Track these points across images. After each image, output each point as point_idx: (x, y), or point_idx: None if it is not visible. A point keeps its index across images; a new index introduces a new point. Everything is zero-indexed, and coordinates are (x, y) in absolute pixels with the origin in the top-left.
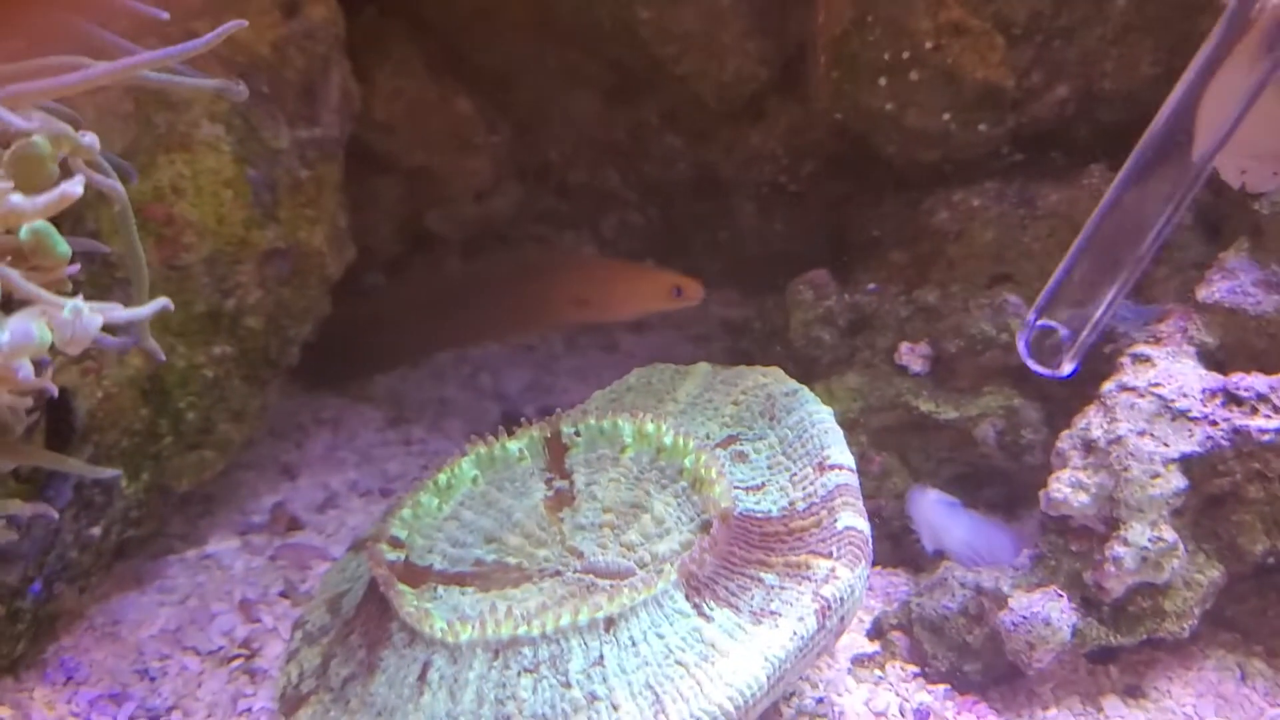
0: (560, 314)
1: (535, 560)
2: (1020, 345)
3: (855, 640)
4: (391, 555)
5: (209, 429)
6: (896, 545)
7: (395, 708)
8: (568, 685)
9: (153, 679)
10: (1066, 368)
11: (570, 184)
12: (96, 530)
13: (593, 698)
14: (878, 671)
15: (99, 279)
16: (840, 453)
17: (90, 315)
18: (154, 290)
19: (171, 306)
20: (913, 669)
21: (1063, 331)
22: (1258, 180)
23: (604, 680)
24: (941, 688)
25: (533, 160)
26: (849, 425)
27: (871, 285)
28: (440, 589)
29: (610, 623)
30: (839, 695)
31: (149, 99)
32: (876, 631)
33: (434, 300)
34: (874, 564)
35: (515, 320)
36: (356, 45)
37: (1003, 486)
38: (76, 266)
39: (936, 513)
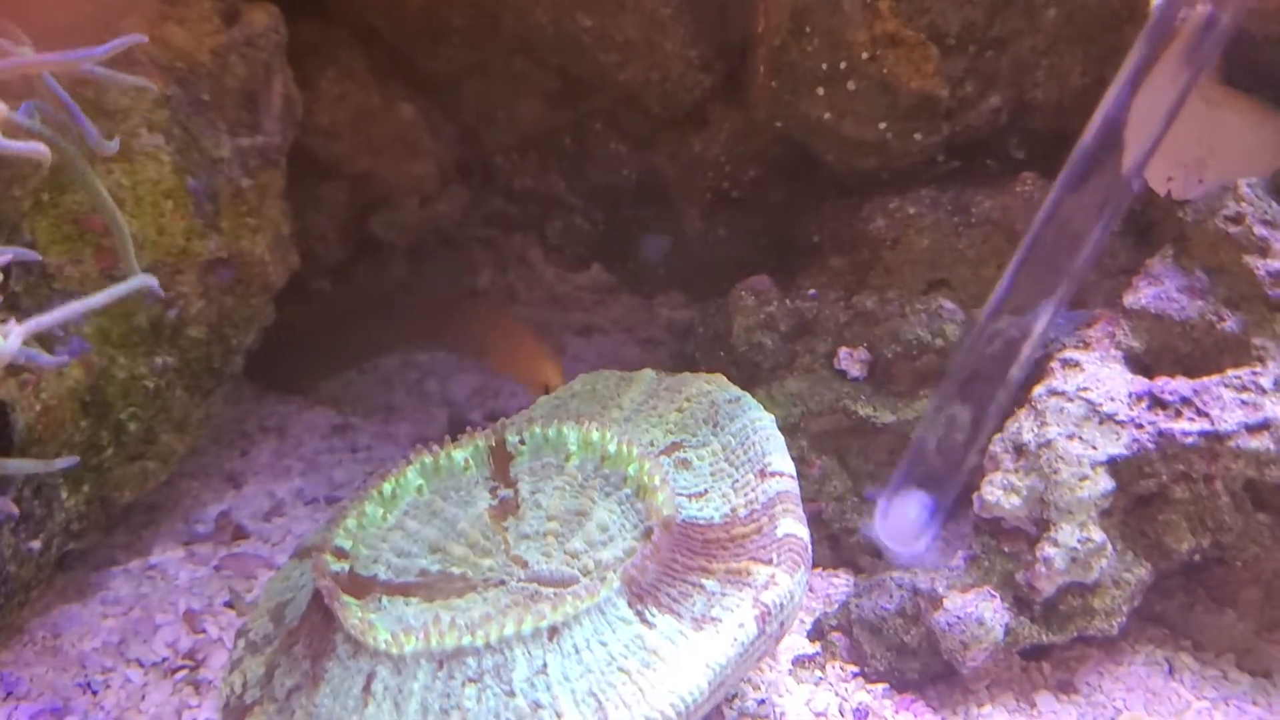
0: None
1: (480, 570)
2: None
3: (796, 642)
4: (336, 566)
5: (151, 440)
6: (836, 547)
7: (340, 719)
8: (512, 694)
9: (95, 692)
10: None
11: (516, 189)
12: (36, 544)
13: (536, 706)
14: (818, 672)
15: (36, 290)
16: (781, 460)
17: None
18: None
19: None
20: (852, 669)
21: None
22: (1183, 187)
23: (548, 688)
24: (880, 687)
25: (478, 165)
26: (789, 429)
27: (812, 291)
28: (385, 599)
29: (554, 631)
30: (780, 696)
31: (86, 107)
32: (817, 633)
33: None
34: (814, 566)
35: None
36: (299, 51)
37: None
38: (9, 256)
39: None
